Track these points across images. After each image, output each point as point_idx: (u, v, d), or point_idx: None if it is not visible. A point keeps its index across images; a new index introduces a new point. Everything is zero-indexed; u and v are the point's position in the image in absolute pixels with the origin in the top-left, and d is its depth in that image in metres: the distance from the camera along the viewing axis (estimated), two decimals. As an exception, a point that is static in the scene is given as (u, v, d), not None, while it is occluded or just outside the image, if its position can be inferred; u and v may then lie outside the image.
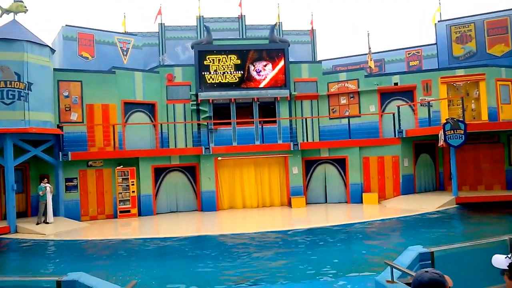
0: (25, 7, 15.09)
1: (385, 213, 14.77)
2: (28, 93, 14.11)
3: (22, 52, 14.05)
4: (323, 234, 11.84)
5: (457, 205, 14.93)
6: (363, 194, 17.26)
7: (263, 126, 18.35)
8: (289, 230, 12.47)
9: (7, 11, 15.02)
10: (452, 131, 14.95)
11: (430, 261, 5.66)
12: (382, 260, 5.95)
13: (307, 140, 19.01)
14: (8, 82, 13.79)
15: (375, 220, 13.51)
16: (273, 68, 18.73)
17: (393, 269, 5.04)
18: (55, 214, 14.99)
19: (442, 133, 15.13)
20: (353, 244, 11.06)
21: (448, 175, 16.87)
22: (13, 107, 13.87)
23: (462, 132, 14.79)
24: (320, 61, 21.36)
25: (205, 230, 13.75)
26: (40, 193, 14.22)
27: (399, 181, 17.21)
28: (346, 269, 8.59)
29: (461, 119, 15.38)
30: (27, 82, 14.10)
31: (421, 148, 18.01)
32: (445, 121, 15.34)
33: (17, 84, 13.92)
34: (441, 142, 15.28)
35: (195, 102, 18.29)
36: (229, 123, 18.49)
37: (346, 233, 12.14)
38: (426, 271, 2.32)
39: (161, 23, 23.37)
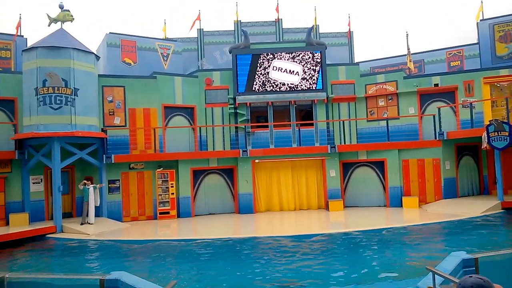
0: (72, 16, 15.70)
1: (426, 217, 14.33)
2: (74, 98, 14.80)
3: (69, 59, 14.71)
4: (362, 238, 11.67)
5: (502, 210, 14.30)
6: (403, 197, 16.84)
7: (300, 129, 18.34)
8: (326, 234, 12.37)
9: (55, 20, 15.73)
10: (496, 133, 14.34)
11: (474, 268, 5.49)
12: (423, 266, 5.83)
13: (344, 142, 18.80)
14: (56, 88, 14.48)
15: (415, 225, 13.15)
16: (310, 71, 18.69)
17: (435, 275, 4.93)
18: (99, 214, 15.62)
19: (486, 135, 14.55)
20: (393, 249, 10.81)
21: (493, 178, 16.17)
22: (61, 111, 14.53)
23: (507, 134, 14.16)
24: (357, 63, 21.08)
25: (243, 232, 13.86)
26: (80, 186, 14.84)
27: (440, 185, 16.66)
28: (386, 274, 8.43)
29: (505, 120, 14.71)
30: (74, 87, 14.80)
31: (463, 150, 17.37)
32: (489, 123, 14.73)
33: (64, 89, 14.60)
34: (484, 144, 14.69)
35: (233, 106, 18.58)
36: (266, 126, 18.61)
37: (385, 237, 11.90)
38: (470, 276, 2.27)
39: (200, 29, 23.92)
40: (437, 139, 16.68)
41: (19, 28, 19.10)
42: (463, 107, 17.29)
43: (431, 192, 16.82)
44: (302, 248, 11.05)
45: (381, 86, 18.82)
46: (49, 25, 15.88)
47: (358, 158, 17.74)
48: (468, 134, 15.93)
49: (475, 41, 21.35)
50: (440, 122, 16.87)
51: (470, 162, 17.61)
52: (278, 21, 24.55)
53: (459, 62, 22.83)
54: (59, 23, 15.78)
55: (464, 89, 17.57)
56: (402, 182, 17.14)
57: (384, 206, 17.37)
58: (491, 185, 17.16)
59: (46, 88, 14.43)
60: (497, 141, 14.31)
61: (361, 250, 10.49)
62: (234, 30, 24.21)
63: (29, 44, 17.46)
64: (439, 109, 17.04)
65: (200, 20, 23.66)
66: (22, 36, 19.19)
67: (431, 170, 16.82)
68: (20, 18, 19.25)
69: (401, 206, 16.77)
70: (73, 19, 15.78)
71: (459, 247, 9.01)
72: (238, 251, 11.02)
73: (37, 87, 14.47)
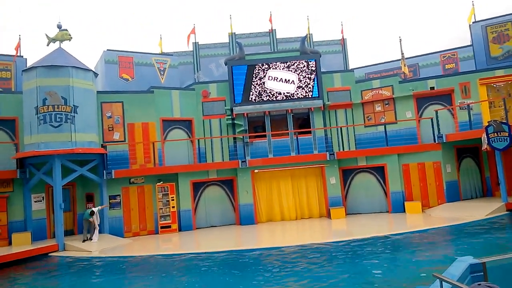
0: (70, 35, 15.88)
1: (430, 222, 14.28)
2: (74, 116, 14.87)
3: (68, 78, 14.85)
4: (366, 246, 11.61)
5: (508, 212, 14.27)
6: (405, 202, 16.80)
7: (298, 137, 18.36)
8: (330, 242, 12.31)
9: (54, 40, 15.91)
10: (495, 133, 14.39)
11: (482, 273, 5.45)
12: (429, 272, 5.79)
13: (343, 149, 18.83)
14: (55, 106, 14.58)
15: (420, 230, 13.09)
16: (306, 79, 18.79)
17: (443, 282, 4.89)
18: (101, 231, 15.55)
19: (485, 136, 14.59)
20: (398, 256, 10.76)
21: (496, 180, 16.16)
22: (61, 129, 14.61)
23: (507, 134, 14.20)
24: (352, 70, 21.20)
25: (245, 244, 13.77)
26: (90, 219, 14.75)
27: (442, 188, 16.65)
28: (392, 282, 8.37)
29: (504, 121, 14.76)
30: (73, 105, 14.87)
31: (463, 152, 17.40)
32: (488, 124, 14.79)
33: (64, 107, 14.70)
34: (484, 146, 14.73)
35: (230, 117, 18.63)
36: (264, 136, 18.65)
37: (389, 244, 11.85)
38: (479, 284, 2.22)
39: (195, 42, 24.10)
40: (437, 142, 16.71)
41: (18, 49, 19.28)
42: (460, 109, 17.37)
43: (433, 196, 16.79)
44: (306, 258, 10.99)
45: (377, 92, 18.92)
46: (48, 45, 16.05)
47: (357, 164, 17.75)
48: (467, 136, 15.97)
49: (469, 43, 21.53)
50: (438, 125, 16.93)
51: (471, 164, 17.63)
52: (272, 32, 24.76)
53: (453, 64, 22.99)
54: (57, 42, 15.96)
55: (460, 91, 17.66)
56: (403, 187, 17.13)
57: (387, 212, 17.33)
58: (494, 187, 17.14)
59: (46, 106, 14.51)
60: (497, 142, 14.35)
61: (366, 258, 10.44)
62: (229, 42, 24.40)
63: (29, 64, 17.59)
64: (436, 112, 17.11)
65: (195, 34, 23.87)
66: (22, 56, 19.37)
67: (432, 174, 16.82)
68: (19, 39, 19.42)
69: (404, 211, 16.74)
70: (71, 38, 15.95)
71: (466, 252, 8.96)
72: (242, 264, 10.95)
73: (37, 106, 14.56)
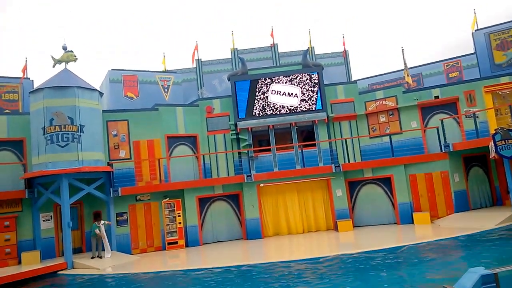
0: (75, 56, 16.19)
1: (440, 233, 14.08)
2: (80, 135, 15.04)
3: (74, 98, 15.08)
4: (375, 258, 11.47)
5: (518, 221, 14.01)
6: (414, 213, 16.62)
7: (303, 150, 18.35)
8: (338, 255, 12.18)
9: (59, 61, 16.22)
10: (503, 141, 14.23)
11: (494, 284, 5.34)
12: (440, 283, 5.70)
13: (348, 161, 18.76)
14: (62, 126, 14.80)
15: (429, 241, 12.88)
16: (309, 92, 18.87)
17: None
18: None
19: (493, 144, 14.45)
20: (408, 268, 10.60)
21: (505, 188, 15.95)
22: (68, 148, 14.78)
23: (514, 141, 14.03)
24: (355, 81, 21.28)
25: (253, 258, 13.64)
26: (96, 231, 14.82)
27: (451, 198, 16.45)
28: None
29: (511, 128, 14.64)
30: (80, 124, 15.06)
31: (471, 161, 17.23)
32: (494, 132, 14.65)
33: (70, 127, 14.90)
34: (492, 154, 14.57)
35: (234, 132, 18.71)
36: (269, 150, 18.66)
37: (399, 256, 11.69)
38: None
39: (198, 59, 24.41)
40: (443, 151, 16.58)
41: (25, 71, 19.69)
42: (466, 117, 17.29)
43: (442, 206, 16.60)
44: (314, 271, 10.87)
45: (381, 102, 18.92)
46: (53, 66, 16.35)
47: (363, 176, 17.65)
48: (474, 145, 15.81)
49: (472, 50, 21.55)
50: (444, 134, 16.84)
51: (479, 172, 17.43)
52: (273, 46, 25.01)
53: (457, 73, 22.98)
54: (63, 63, 16.25)
55: (465, 99, 17.61)
56: (411, 197, 16.97)
57: (395, 223, 17.14)
58: (504, 196, 16.90)
59: (53, 126, 14.71)
60: (505, 149, 14.19)
61: (375, 271, 10.29)
62: (231, 58, 24.67)
63: (36, 85, 17.89)
64: (442, 121, 17.04)
65: (197, 50, 24.17)
66: (29, 78, 19.79)
67: (440, 184, 16.65)
68: (26, 61, 19.84)
69: (412, 222, 16.54)
70: (76, 59, 16.25)
71: (477, 263, 8.80)
72: (251, 279, 10.86)
73: (44, 126, 14.77)
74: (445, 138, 16.77)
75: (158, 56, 44.10)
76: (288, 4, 52.15)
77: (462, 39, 38.33)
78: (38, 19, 49.79)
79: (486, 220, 14.28)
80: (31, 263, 14.32)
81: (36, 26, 49.54)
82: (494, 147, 14.39)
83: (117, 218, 16.44)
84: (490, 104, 17.11)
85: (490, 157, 14.83)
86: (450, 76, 23.09)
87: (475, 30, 20.50)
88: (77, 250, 16.04)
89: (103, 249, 14.99)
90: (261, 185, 17.31)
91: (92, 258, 14.61)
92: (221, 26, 50.98)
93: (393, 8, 52.12)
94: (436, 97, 18.06)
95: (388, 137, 18.17)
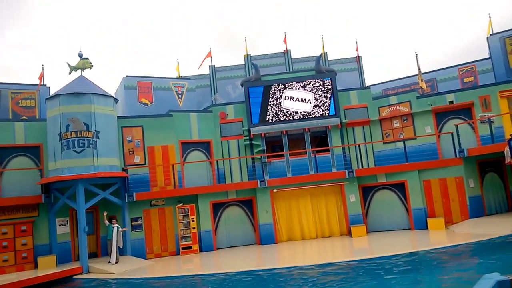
0: (91, 63, 16.51)
1: (454, 238, 13.92)
2: (96, 141, 15.32)
3: (89, 104, 15.36)
4: (389, 264, 11.40)
5: (535, 227, 13.77)
6: (428, 219, 16.46)
7: (316, 156, 18.35)
8: (352, 261, 12.13)
9: (75, 68, 16.56)
10: (519, 147, 14.04)
11: (510, 290, 5.31)
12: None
13: (362, 166, 18.70)
14: (78, 132, 15.07)
15: (444, 247, 12.73)
16: (322, 97, 18.90)
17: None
18: (123, 252, 15.75)
19: (508, 149, 14.26)
20: (422, 274, 10.52)
21: (521, 194, 15.70)
22: (84, 154, 15.04)
23: (531, 147, 13.83)
24: (368, 87, 21.25)
25: (267, 264, 13.65)
26: (105, 223, 14.99)
27: (466, 204, 16.26)
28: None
29: (527, 133, 14.45)
30: (95, 130, 15.35)
31: (486, 167, 17.03)
32: (510, 137, 14.47)
33: (86, 133, 15.18)
34: (508, 159, 14.37)
35: (248, 137, 18.83)
36: (282, 155, 18.72)
37: (413, 262, 11.59)
38: None
39: (212, 65, 24.68)
40: (458, 157, 16.42)
41: (42, 78, 20.17)
42: (481, 122, 17.10)
43: (456, 212, 16.41)
44: (328, 276, 10.85)
45: (394, 108, 18.85)
46: (69, 73, 16.69)
47: (377, 181, 17.55)
48: (489, 150, 15.64)
49: (487, 55, 21.34)
50: (459, 139, 16.67)
51: (495, 178, 17.21)
52: (286, 52, 25.15)
53: (472, 78, 22.74)
54: (79, 70, 16.59)
55: (480, 104, 17.44)
56: (425, 203, 16.81)
57: (409, 229, 16.99)
58: (519, 201, 16.66)
59: (69, 132, 15.00)
60: (520, 155, 14.00)
61: (389, 276, 10.24)
62: (245, 64, 24.88)
63: (52, 92, 18.30)
64: (456, 126, 16.89)
65: (211, 57, 24.44)
66: (45, 85, 20.26)
67: (455, 189, 16.48)
68: (42, 68, 20.35)
69: (427, 228, 16.38)
70: (92, 66, 16.54)
71: (493, 269, 8.69)
72: (265, 284, 10.87)
73: (60, 132, 15.07)
74: (459, 144, 16.60)
75: (172, 62, 44.55)
76: (301, 10, 52.37)
77: (476, 43, 37.92)
78: (38, 19, 50.93)
79: (502, 226, 14.08)
80: (47, 267, 14.56)
81: (36, 26, 50.68)
82: (509, 152, 14.19)
83: (132, 223, 16.63)
84: (505, 109, 16.92)
85: (506, 162, 14.64)
86: (465, 81, 22.87)
87: (490, 35, 20.31)
88: (92, 255, 16.21)
89: (119, 253, 15.11)
90: (275, 190, 17.36)
91: (109, 262, 14.73)
92: (235, 33, 51.37)
93: (403, 12, 51.90)
94: (451, 102, 17.92)
95: (402, 142, 18.06)
